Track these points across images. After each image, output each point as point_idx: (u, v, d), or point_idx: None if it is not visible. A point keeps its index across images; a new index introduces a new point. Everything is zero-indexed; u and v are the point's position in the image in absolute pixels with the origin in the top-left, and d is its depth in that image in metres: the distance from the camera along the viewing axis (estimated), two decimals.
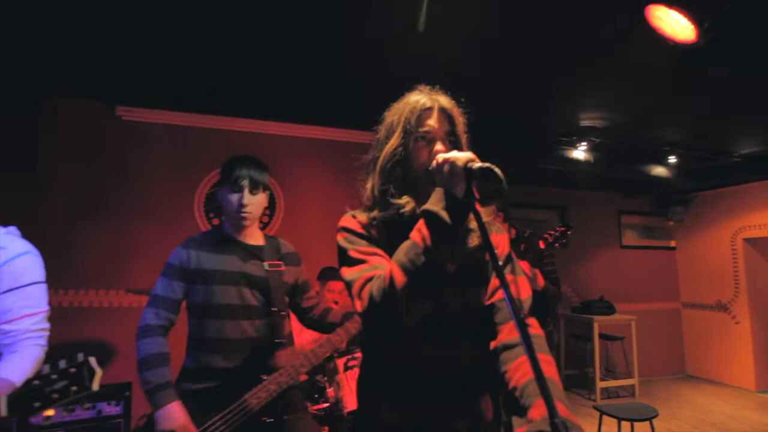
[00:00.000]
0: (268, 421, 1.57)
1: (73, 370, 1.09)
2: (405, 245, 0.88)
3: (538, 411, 0.82)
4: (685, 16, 1.55)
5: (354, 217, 1.05)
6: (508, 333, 0.98)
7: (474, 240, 0.99)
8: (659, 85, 2.97)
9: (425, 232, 0.85)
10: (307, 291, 1.86)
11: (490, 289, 1.05)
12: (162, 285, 1.61)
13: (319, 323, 1.87)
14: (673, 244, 6.28)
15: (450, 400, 0.98)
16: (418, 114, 1.01)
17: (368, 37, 2.42)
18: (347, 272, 0.97)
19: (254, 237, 1.74)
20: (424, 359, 0.98)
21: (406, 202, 0.99)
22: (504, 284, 0.75)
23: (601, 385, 4.94)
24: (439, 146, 0.98)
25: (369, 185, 1.06)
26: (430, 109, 1.02)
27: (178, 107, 3.39)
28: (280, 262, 1.73)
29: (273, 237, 1.82)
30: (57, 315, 2.85)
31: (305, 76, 2.89)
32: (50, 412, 2.29)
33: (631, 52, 2.50)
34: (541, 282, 2.62)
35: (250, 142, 3.59)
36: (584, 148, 4.13)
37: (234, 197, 1.63)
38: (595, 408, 2.87)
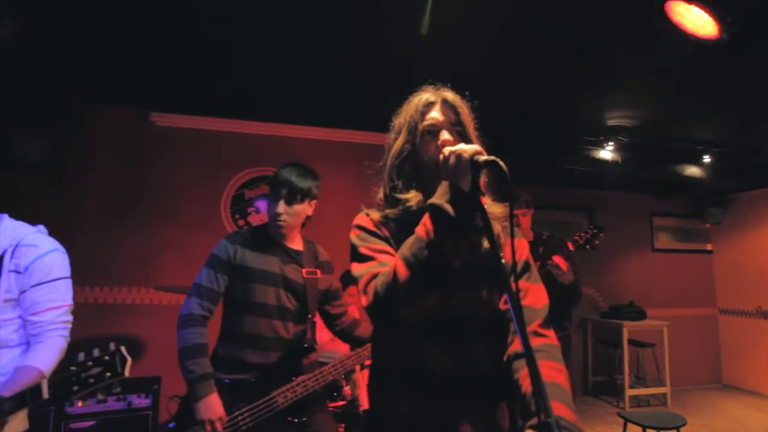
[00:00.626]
0: (295, 420, 1.62)
1: (106, 357, 1.17)
2: (410, 239, 0.88)
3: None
4: (706, 11, 1.50)
5: (368, 215, 1.07)
6: (516, 343, 0.96)
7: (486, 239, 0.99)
8: (689, 81, 2.86)
9: (429, 225, 0.85)
10: (337, 299, 1.89)
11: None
12: (207, 276, 1.65)
13: (347, 334, 1.90)
14: (709, 247, 6.00)
15: (461, 402, 0.96)
16: (422, 110, 1.03)
17: (388, 38, 2.43)
18: (356, 268, 1.00)
19: (295, 241, 1.78)
20: (434, 360, 0.97)
21: (413, 196, 1.00)
22: (508, 289, 0.75)
23: (630, 392, 4.77)
24: (445, 135, 0.99)
25: (381, 187, 1.09)
26: (433, 103, 1.04)
27: (207, 112, 3.52)
28: (317, 270, 1.77)
29: (311, 242, 1.86)
30: (90, 311, 3.05)
31: (328, 81, 2.94)
32: (80, 403, 2.42)
33: (659, 48, 2.42)
34: (570, 276, 2.54)
35: (273, 145, 3.69)
36: (611, 148, 4.02)
37: (272, 206, 1.68)
38: (619, 415, 2.79)
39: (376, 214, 1.07)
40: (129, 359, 1.20)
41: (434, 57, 2.55)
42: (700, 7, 1.49)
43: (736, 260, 5.68)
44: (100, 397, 1.16)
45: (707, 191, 5.42)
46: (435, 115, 1.03)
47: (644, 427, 2.64)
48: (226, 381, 1.60)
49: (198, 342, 1.57)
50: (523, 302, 1.00)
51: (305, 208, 1.73)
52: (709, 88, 2.94)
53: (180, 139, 3.45)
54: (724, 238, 5.86)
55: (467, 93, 1.08)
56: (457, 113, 1.03)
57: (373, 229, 1.04)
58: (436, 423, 0.95)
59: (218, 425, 1.49)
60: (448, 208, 0.83)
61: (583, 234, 2.63)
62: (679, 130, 3.81)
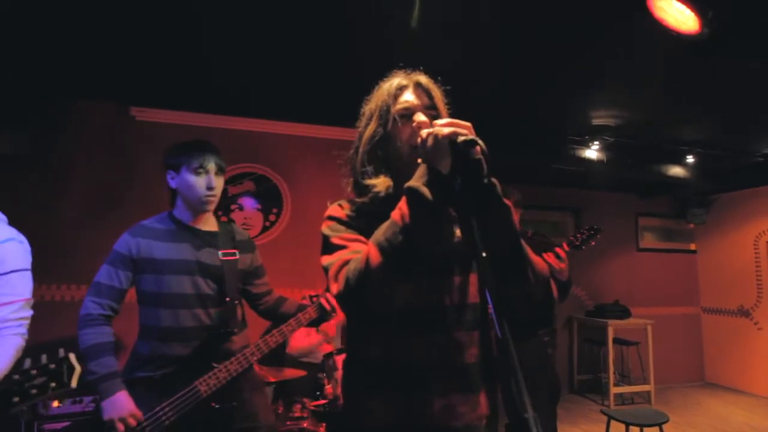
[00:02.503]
0: (217, 406, 1.57)
1: (52, 366, 1.09)
2: (384, 224, 0.85)
3: None
4: (688, 6, 1.50)
5: (340, 206, 1.04)
6: None
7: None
8: (673, 81, 2.88)
9: (405, 209, 0.81)
10: (259, 277, 1.85)
11: None
12: (106, 273, 1.59)
13: (272, 313, 1.87)
14: (693, 247, 6.08)
15: (441, 395, 0.93)
16: (394, 93, 0.99)
17: (375, 34, 2.41)
18: (327, 259, 0.95)
19: (208, 223, 1.73)
20: (412, 352, 0.93)
21: (381, 182, 0.96)
22: (485, 280, 0.73)
23: (615, 390, 4.81)
24: (420, 117, 0.95)
25: (351, 177, 1.05)
26: (405, 86, 1.01)
27: (189, 107, 3.45)
28: (234, 250, 1.72)
29: (227, 223, 1.81)
30: (70, 309, 2.95)
31: (311, 75, 2.91)
32: (56, 404, 2.35)
33: (644, 47, 2.43)
34: (566, 275, 2.50)
35: (258, 141, 3.64)
36: (597, 147, 4.04)
37: (200, 180, 1.61)
38: (603, 412, 2.80)
39: (348, 205, 1.03)
40: (78, 368, 1.13)
41: (419, 55, 2.52)
42: (682, 2, 1.50)
43: (719, 260, 5.77)
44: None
45: (691, 191, 5.49)
46: (408, 98, 1.00)
47: (627, 424, 2.65)
48: (146, 376, 1.55)
49: (97, 342, 1.52)
50: None
51: (223, 181, 1.71)
52: (694, 88, 2.97)
53: (161, 135, 3.37)
54: (707, 238, 5.94)
55: (439, 78, 1.06)
56: (431, 97, 1.01)
57: (344, 218, 1.00)
58: (416, 418, 0.92)
59: (131, 421, 1.44)
60: (425, 191, 0.80)
61: (579, 234, 2.61)
62: (664, 131, 3.85)
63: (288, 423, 2.12)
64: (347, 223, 0.99)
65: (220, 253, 1.68)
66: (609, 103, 3.34)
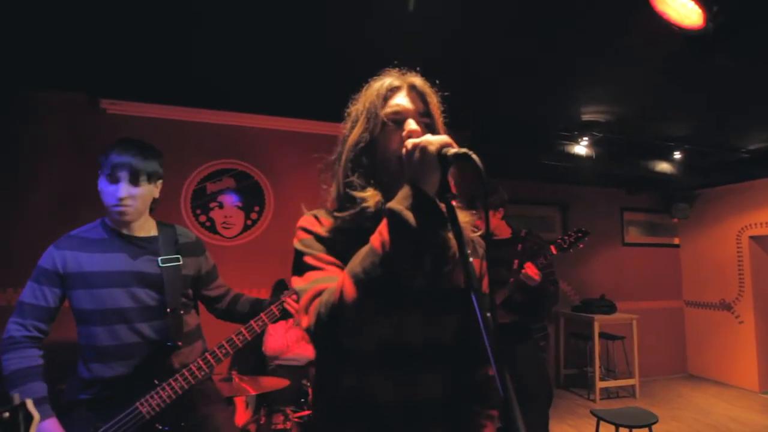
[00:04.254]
0: (162, 429, 1.45)
1: (6, 415, 0.96)
2: (362, 251, 0.73)
3: None
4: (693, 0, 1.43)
5: (316, 217, 0.90)
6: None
7: (452, 251, 0.85)
8: (664, 77, 2.83)
9: (385, 236, 0.69)
10: (212, 281, 1.73)
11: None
12: (30, 291, 1.45)
13: (230, 313, 1.75)
14: (676, 241, 6.14)
15: None
16: (384, 95, 0.87)
17: (357, 29, 2.29)
18: (298, 282, 0.83)
19: (145, 228, 1.57)
20: (386, 393, 0.83)
21: (370, 196, 0.83)
22: (483, 319, 0.62)
23: (600, 385, 4.84)
24: (411, 125, 0.83)
25: (333, 186, 0.92)
26: (398, 87, 0.89)
27: (164, 100, 3.27)
28: (177, 256, 1.57)
29: (169, 225, 1.66)
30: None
31: (294, 67, 2.76)
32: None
33: (636, 42, 2.36)
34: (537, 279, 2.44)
35: (238, 136, 3.49)
36: (586, 143, 3.99)
37: (109, 189, 1.45)
38: (592, 413, 2.77)
39: (326, 218, 0.90)
40: (36, 416, 0.99)
41: (404, 49, 2.42)
42: None
43: (702, 254, 5.83)
44: None
45: (675, 187, 5.52)
46: (400, 101, 0.88)
47: (617, 426, 2.63)
48: (87, 399, 1.43)
49: (21, 367, 1.39)
50: None
51: (151, 190, 1.54)
52: (683, 84, 2.93)
53: (134, 129, 3.16)
54: (690, 232, 6.00)
55: (437, 81, 0.93)
56: (425, 102, 0.89)
57: (322, 235, 0.87)
58: None
59: None
60: (409, 216, 0.68)
61: (566, 237, 2.54)
62: (652, 127, 3.82)
63: None
64: (324, 241, 0.86)
65: (159, 260, 1.53)
66: (599, 99, 3.28)
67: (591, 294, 5.40)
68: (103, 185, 1.47)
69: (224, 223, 3.39)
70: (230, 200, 3.43)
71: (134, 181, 1.47)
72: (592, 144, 4.02)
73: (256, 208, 3.50)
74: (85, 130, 3.13)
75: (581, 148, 4.02)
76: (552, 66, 2.72)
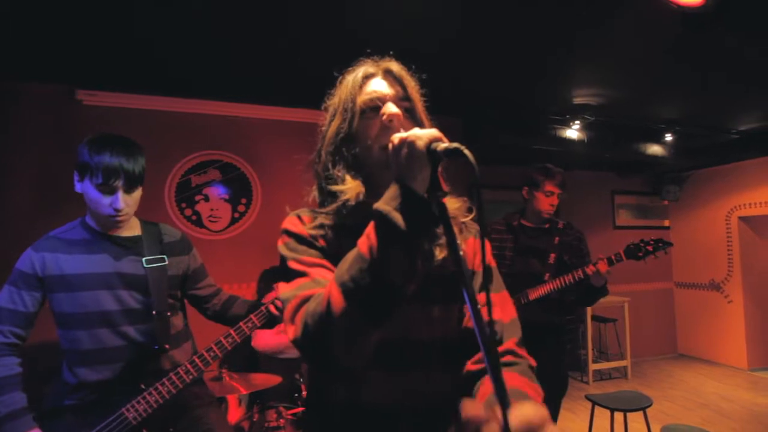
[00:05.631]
0: None
1: None
2: (349, 256, 0.68)
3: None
4: None
5: (299, 217, 0.85)
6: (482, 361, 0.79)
7: (443, 249, 0.81)
8: (657, 59, 2.78)
9: (373, 240, 0.64)
10: (200, 280, 1.66)
11: (467, 308, 0.86)
12: (8, 295, 1.38)
13: (222, 316, 1.70)
14: (667, 223, 6.18)
15: None
16: (360, 83, 0.83)
17: (342, 6, 2.19)
18: (283, 288, 0.78)
19: (129, 227, 1.51)
20: (383, 394, 0.79)
21: (350, 188, 0.80)
22: (471, 303, 0.58)
23: (593, 367, 4.90)
24: (391, 108, 0.79)
25: (315, 183, 0.88)
26: (373, 74, 0.85)
27: (143, 90, 3.14)
28: (162, 256, 1.52)
29: (153, 224, 1.59)
30: None
31: (277, 52, 2.66)
32: None
33: (629, 23, 2.30)
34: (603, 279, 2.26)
35: (222, 126, 3.37)
36: (578, 127, 3.95)
37: (105, 200, 1.37)
38: (587, 398, 2.78)
39: (308, 216, 0.85)
40: None
41: (390, 32, 2.34)
42: None
43: (692, 235, 5.87)
44: None
45: (666, 169, 5.52)
46: (376, 87, 0.83)
47: (612, 410, 2.64)
48: (73, 404, 1.38)
49: None
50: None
51: (140, 191, 1.48)
52: (675, 66, 2.88)
53: (112, 120, 3.07)
54: (680, 214, 6.03)
55: (413, 66, 0.89)
56: (403, 86, 0.84)
57: (305, 235, 0.82)
58: None
59: None
60: (397, 217, 0.62)
61: (641, 244, 2.27)
62: (644, 109, 3.78)
63: None
64: (308, 242, 0.81)
65: (144, 260, 1.47)
66: (591, 82, 3.22)
67: None
68: (94, 194, 1.38)
69: (210, 216, 3.30)
70: (216, 192, 3.34)
71: (130, 189, 1.41)
72: (584, 128, 3.98)
73: (243, 200, 3.41)
74: (61, 123, 3.00)
75: (573, 132, 3.97)
76: (544, 48, 2.65)
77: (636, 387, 4.60)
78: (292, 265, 0.79)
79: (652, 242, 2.29)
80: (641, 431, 2.64)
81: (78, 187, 1.42)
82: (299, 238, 0.82)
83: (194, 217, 3.27)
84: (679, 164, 4.96)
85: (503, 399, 0.53)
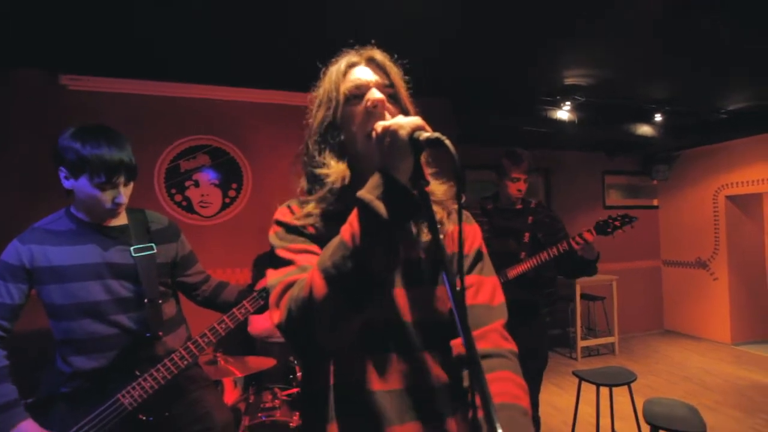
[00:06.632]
0: (146, 419, 1.45)
1: None
2: (332, 243, 0.69)
3: None
4: None
5: (289, 208, 0.88)
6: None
7: (426, 233, 0.83)
8: (647, 39, 2.77)
9: (355, 227, 0.66)
10: (189, 266, 1.68)
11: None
12: None
13: (211, 302, 1.71)
14: (655, 203, 6.26)
15: (402, 422, 0.80)
16: (344, 71, 0.85)
17: None
18: (271, 275, 0.80)
19: (115, 217, 1.52)
20: (374, 378, 0.80)
21: (333, 171, 0.82)
22: (451, 287, 0.61)
23: (582, 344, 5.03)
24: (374, 94, 0.81)
25: (303, 174, 0.90)
26: (356, 63, 0.86)
27: (128, 74, 3.08)
28: (150, 244, 1.53)
29: (139, 211, 1.59)
30: None
31: (268, 34, 2.61)
32: None
33: (620, 3, 2.29)
34: (595, 252, 2.38)
35: (210, 110, 3.33)
36: (568, 108, 3.95)
37: (106, 196, 1.39)
38: (574, 374, 2.86)
39: (297, 206, 0.88)
40: None
41: (384, 12, 2.30)
42: None
43: (679, 214, 5.96)
44: None
45: (656, 149, 5.56)
46: (360, 75, 0.85)
47: (598, 385, 2.72)
48: (67, 392, 1.41)
49: None
50: (477, 300, 0.86)
51: (132, 185, 1.50)
52: (665, 46, 2.88)
53: (98, 106, 3.02)
54: (668, 193, 6.11)
55: (395, 55, 0.90)
56: (386, 73, 0.86)
57: (294, 224, 0.84)
58: None
59: None
60: (379, 206, 0.64)
61: (610, 220, 2.40)
62: (634, 90, 3.78)
63: (259, 414, 2.02)
64: (296, 230, 0.83)
65: (132, 249, 1.48)
66: (581, 62, 3.21)
67: None
68: (93, 191, 1.38)
69: (201, 201, 3.29)
70: (206, 178, 3.32)
71: (128, 181, 1.44)
72: (575, 108, 3.98)
73: (234, 185, 3.40)
74: (44, 110, 2.94)
75: (564, 113, 3.98)
76: (535, 29, 2.63)
77: (623, 362, 4.74)
78: (280, 253, 0.81)
79: (619, 218, 2.41)
80: (626, 405, 2.74)
81: (68, 184, 1.41)
82: (288, 227, 0.84)
83: (185, 203, 3.26)
84: (669, 144, 5.00)
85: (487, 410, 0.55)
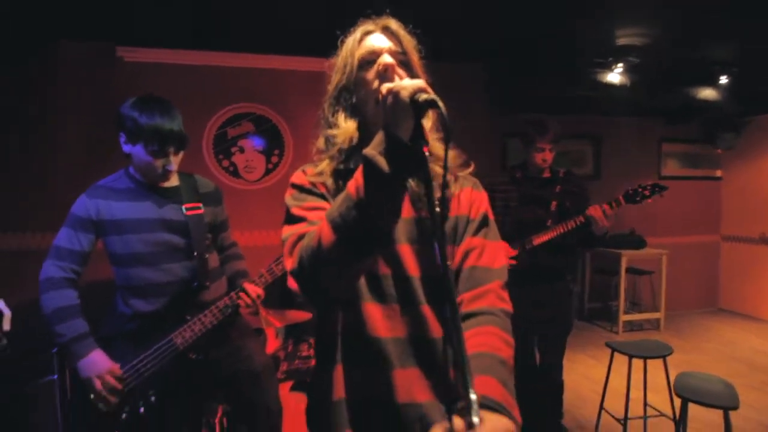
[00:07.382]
0: (195, 357, 1.65)
1: None
2: (340, 196, 0.75)
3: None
4: None
5: (303, 171, 0.96)
6: (465, 304, 0.88)
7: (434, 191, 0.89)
8: None
9: (360, 181, 0.71)
10: (224, 230, 1.87)
11: (460, 251, 0.92)
12: (66, 236, 1.58)
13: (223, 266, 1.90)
14: (718, 173, 5.80)
15: (414, 371, 0.88)
16: (359, 39, 0.91)
17: None
18: (285, 230, 0.88)
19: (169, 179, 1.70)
20: (382, 327, 0.88)
21: (341, 131, 0.89)
22: (441, 248, 0.66)
23: (624, 318, 4.89)
24: (386, 58, 0.85)
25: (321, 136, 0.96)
26: (371, 31, 0.92)
27: (179, 45, 3.25)
28: (198, 204, 1.70)
29: (189, 175, 1.77)
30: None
31: (307, 6, 2.65)
32: None
33: None
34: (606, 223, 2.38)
35: (253, 78, 3.46)
36: (620, 70, 3.70)
37: (158, 163, 1.57)
38: (607, 345, 2.82)
39: (311, 168, 0.95)
40: (7, 313, 1.15)
41: None
42: None
43: (745, 187, 5.51)
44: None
45: (721, 115, 5.10)
46: (374, 41, 0.90)
47: (630, 356, 2.69)
48: (125, 332, 1.60)
49: (61, 305, 1.52)
50: (479, 262, 0.91)
51: (182, 153, 1.68)
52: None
53: (152, 76, 3.22)
54: (735, 164, 5.63)
55: (410, 26, 0.94)
56: (399, 41, 0.90)
57: (306, 184, 0.92)
58: (389, 395, 0.86)
59: (108, 378, 1.49)
60: (381, 161, 0.69)
61: (639, 189, 2.43)
62: (695, 50, 3.47)
63: (296, 362, 2.21)
64: (308, 190, 0.92)
65: (183, 207, 1.66)
66: (636, 19, 2.98)
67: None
68: (147, 158, 1.56)
69: (246, 167, 3.48)
70: (251, 144, 3.49)
71: (178, 150, 1.61)
72: (628, 71, 3.73)
73: (276, 152, 3.55)
74: (103, 81, 3.17)
75: (615, 75, 3.73)
76: None
77: (667, 339, 4.58)
78: (294, 211, 0.89)
79: (648, 187, 2.43)
80: (663, 378, 2.69)
81: (126, 148, 1.60)
82: (301, 188, 0.92)
83: (231, 168, 3.46)
84: (735, 110, 4.57)
85: (460, 353, 0.61)
